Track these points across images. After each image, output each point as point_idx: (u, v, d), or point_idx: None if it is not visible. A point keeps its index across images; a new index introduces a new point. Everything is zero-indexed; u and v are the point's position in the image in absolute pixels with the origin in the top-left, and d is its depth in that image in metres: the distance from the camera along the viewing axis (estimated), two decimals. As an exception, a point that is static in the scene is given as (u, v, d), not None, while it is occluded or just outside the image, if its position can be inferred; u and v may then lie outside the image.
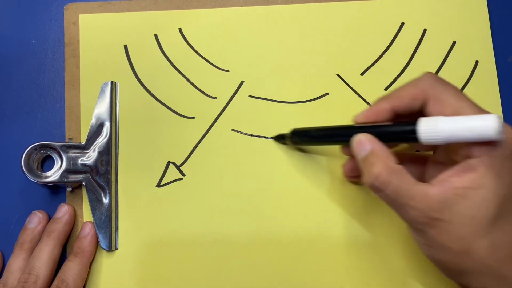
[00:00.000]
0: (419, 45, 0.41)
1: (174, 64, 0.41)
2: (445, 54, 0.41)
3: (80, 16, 0.41)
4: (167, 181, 0.39)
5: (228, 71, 0.41)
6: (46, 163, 0.39)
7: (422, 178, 0.34)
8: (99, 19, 0.41)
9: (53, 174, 0.37)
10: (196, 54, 0.41)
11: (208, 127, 0.40)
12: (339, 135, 0.34)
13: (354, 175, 0.37)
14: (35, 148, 0.37)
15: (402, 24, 0.41)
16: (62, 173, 0.37)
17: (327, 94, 0.40)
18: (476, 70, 0.40)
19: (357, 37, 0.41)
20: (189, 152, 0.39)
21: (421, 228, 0.29)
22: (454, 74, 0.40)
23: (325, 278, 0.38)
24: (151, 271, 0.38)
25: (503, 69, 0.41)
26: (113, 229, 0.38)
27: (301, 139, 0.37)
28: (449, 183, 0.28)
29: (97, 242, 0.38)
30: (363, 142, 0.31)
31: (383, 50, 0.41)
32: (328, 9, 0.41)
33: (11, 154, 0.39)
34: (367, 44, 0.41)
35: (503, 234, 0.28)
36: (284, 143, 0.39)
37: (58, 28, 0.41)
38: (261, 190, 0.39)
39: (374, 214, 0.38)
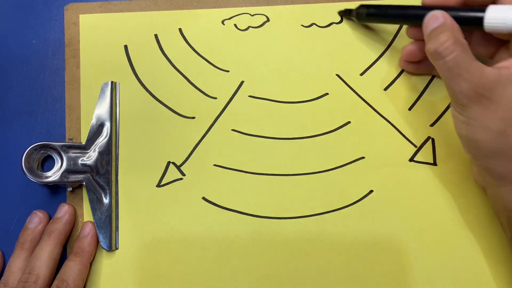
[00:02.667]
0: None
1: (174, 64, 0.41)
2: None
3: (81, 16, 0.41)
4: (167, 181, 0.39)
5: (228, 71, 0.41)
6: (47, 163, 0.39)
7: None
8: (100, 19, 0.41)
9: (53, 174, 0.37)
10: (196, 54, 0.41)
11: (208, 127, 0.40)
12: (410, 13, 0.35)
13: (410, 60, 0.38)
14: (35, 148, 0.37)
15: (402, 24, 0.41)
16: (62, 173, 0.37)
17: (327, 94, 0.40)
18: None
19: (356, 37, 0.41)
20: (189, 152, 0.39)
21: (467, 103, 0.31)
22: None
23: (325, 278, 0.38)
24: (151, 271, 0.38)
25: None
26: (113, 229, 0.38)
27: (369, 13, 0.38)
28: (506, 69, 0.30)
29: (97, 242, 0.38)
30: (437, 16, 0.32)
31: (383, 50, 0.41)
32: (328, 10, 0.41)
33: (11, 154, 0.39)
34: (367, 44, 0.41)
35: None
36: (350, 18, 0.40)
37: (58, 28, 0.41)
38: (261, 189, 0.39)
39: (374, 214, 0.38)
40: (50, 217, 0.38)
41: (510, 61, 0.31)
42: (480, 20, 0.31)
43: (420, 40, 0.36)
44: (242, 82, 0.40)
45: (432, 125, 0.39)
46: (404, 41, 0.40)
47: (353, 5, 0.40)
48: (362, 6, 0.39)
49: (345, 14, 0.40)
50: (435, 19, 0.32)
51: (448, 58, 0.31)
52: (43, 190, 0.39)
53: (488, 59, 0.35)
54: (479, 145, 0.31)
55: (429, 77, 0.40)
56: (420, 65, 0.38)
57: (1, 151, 0.40)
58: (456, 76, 0.31)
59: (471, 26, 0.33)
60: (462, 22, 0.32)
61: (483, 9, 0.31)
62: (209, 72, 0.40)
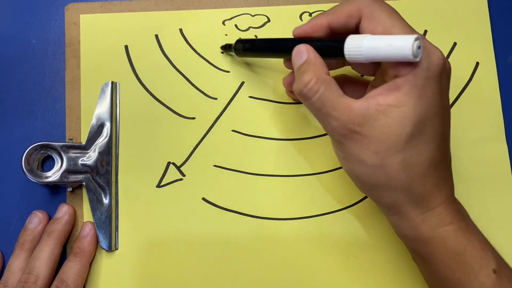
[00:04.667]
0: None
1: (175, 64, 0.41)
2: (445, 55, 0.41)
3: (81, 16, 0.41)
4: (167, 182, 0.39)
5: (228, 71, 0.41)
6: (47, 163, 0.39)
7: None
8: (100, 19, 0.41)
9: (53, 174, 0.37)
10: (196, 54, 0.41)
11: (208, 127, 0.40)
12: (280, 46, 0.35)
13: (291, 90, 0.37)
14: (35, 148, 0.37)
15: (403, 25, 0.41)
16: (62, 173, 0.37)
17: (328, 95, 0.40)
18: (476, 71, 0.40)
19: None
20: (189, 152, 0.39)
21: (340, 140, 0.30)
22: (454, 75, 0.40)
23: (325, 278, 0.38)
24: (151, 271, 0.38)
25: (504, 70, 0.41)
26: (113, 229, 0.38)
27: (244, 47, 0.37)
28: (373, 100, 0.29)
29: (97, 242, 0.38)
30: (302, 51, 0.31)
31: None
32: (328, 10, 0.41)
33: (11, 154, 0.39)
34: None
35: (416, 152, 0.29)
36: (229, 54, 0.40)
37: (58, 28, 0.41)
38: (261, 190, 0.39)
39: (374, 214, 0.38)
40: (50, 217, 0.38)
41: (379, 90, 0.29)
42: (341, 51, 0.30)
43: None
44: (242, 83, 0.40)
45: (432, 126, 0.39)
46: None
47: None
48: (238, 41, 0.38)
49: (225, 48, 0.40)
50: (300, 55, 0.31)
51: (313, 99, 0.30)
52: (43, 190, 0.39)
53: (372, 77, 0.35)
54: (361, 179, 0.31)
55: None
56: None
57: (1, 151, 0.40)
58: (325, 116, 0.30)
59: (334, 57, 0.31)
60: (326, 53, 0.31)
61: (343, 40, 0.30)
62: (209, 72, 0.40)
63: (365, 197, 0.39)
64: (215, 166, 0.39)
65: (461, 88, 0.40)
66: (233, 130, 0.40)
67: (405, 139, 0.29)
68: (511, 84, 0.41)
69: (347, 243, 0.38)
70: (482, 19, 0.41)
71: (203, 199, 0.39)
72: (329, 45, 0.31)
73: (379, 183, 0.30)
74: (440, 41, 0.41)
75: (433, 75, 0.29)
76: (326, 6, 0.41)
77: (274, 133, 0.40)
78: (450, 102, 0.40)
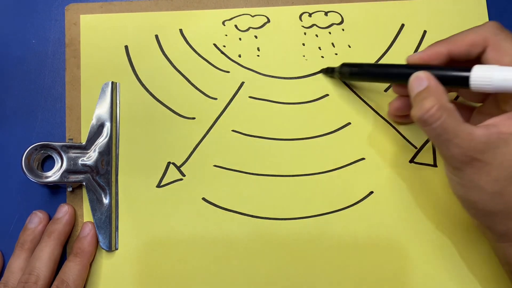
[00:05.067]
0: (419, 47, 0.41)
1: (175, 64, 0.41)
2: (445, 56, 0.41)
3: (81, 16, 0.41)
4: (167, 182, 0.39)
5: (228, 72, 0.41)
6: (47, 163, 0.39)
7: None
8: (100, 19, 0.41)
9: (53, 174, 0.37)
10: (196, 55, 0.41)
11: (208, 127, 0.40)
12: (393, 73, 0.35)
13: (399, 114, 0.38)
14: (35, 148, 0.37)
15: (402, 25, 0.41)
16: (62, 173, 0.37)
17: (327, 95, 0.40)
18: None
19: (357, 39, 0.41)
20: (189, 152, 0.39)
21: (459, 166, 0.30)
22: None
23: (325, 278, 0.38)
24: (151, 271, 0.38)
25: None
26: (113, 229, 0.38)
27: (352, 72, 0.37)
28: (495, 128, 0.29)
29: (97, 242, 0.38)
30: (422, 78, 0.31)
31: (383, 51, 0.41)
32: (328, 11, 0.41)
33: (11, 154, 0.39)
34: (367, 45, 0.41)
35: None
36: (332, 77, 0.40)
37: (58, 28, 0.41)
38: (261, 190, 0.39)
39: (374, 216, 0.38)
40: (50, 217, 0.38)
41: (500, 118, 0.30)
42: (466, 80, 0.30)
43: (406, 96, 0.35)
44: (242, 83, 0.40)
45: (432, 126, 0.39)
46: (405, 43, 0.41)
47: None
48: (344, 64, 0.38)
49: (327, 72, 0.40)
50: (419, 82, 0.31)
51: (434, 125, 0.30)
52: (43, 190, 0.39)
53: (478, 103, 0.35)
54: (476, 206, 0.31)
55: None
56: (410, 118, 0.38)
57: (1, 151, 0.40)
58: (445, 142, 0.30)
59: (457, 86, 0.32)
60: (447, 82, 0.31)
61: (468, 69, 0.30)
62: (209, 72, 0.40)
63: (365, 197, 0.39)
64: (215, 166, 0.39)
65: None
66: (233, 130, 0.40)
67: None
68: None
69: (347, 243, 0.38)
70: (481, 20, 0.41)
71: (203, 199, 0.39)
72: (454, 74, 0.31)
73: (497, 210, 0.30)
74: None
75: None
76: (325, 7, 0.41)
77: (274, 133, 0.40)
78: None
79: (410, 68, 0.33)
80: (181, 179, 0.39)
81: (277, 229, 0.38)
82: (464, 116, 0.33)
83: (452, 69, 0.31)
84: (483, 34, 0.31)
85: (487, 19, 0.41)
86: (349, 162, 0.39)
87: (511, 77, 0.29)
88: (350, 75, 0.38)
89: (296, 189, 0.39)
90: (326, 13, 0.41)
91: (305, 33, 0.41)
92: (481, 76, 0.30)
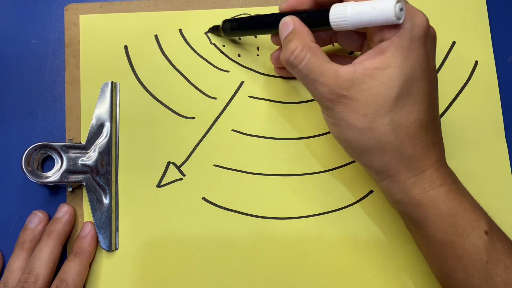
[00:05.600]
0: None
1: (174, 64, 0.41)
2: (444, 54, 0.41)
3: (81, 16, 0.41)
4: (167, 181, 0.39)
5: (228, 71, 0.41)
6: (47, 163, 0.39)
7: None
8: (100, 19, 0.41)
9: (53, 174, 0.37)
10: (196, 54, 0.41)
11: (208, 127, 0.40)
12: (267, 21, 0.35)
13: (280, 66, 0.38)
14: (35, 148, 0.37)
15: (402, 24, 0.41)
16: (62, 173, 0.37)
17: (327, 94, 0.40)
18: (475, 70, 0.41)
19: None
20: (189, 152, 0.39)
21: (329, 105, 0.31)
22: (453, 74, 0.40)
23: (325, 278, 0.38)
24: (151, 271, 0.38)
25: (503, 69, 0.41)
26: (113, 229, 0.38)
27: (232, 26, 0.38)
28: (360, 64, 0.30)
29: (97, 242, 0.38)
30: (288, 22, 0.32)
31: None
32: (328, 10, 0.41)
33: (11, 154, 0.39)
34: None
35: (404, 113, 0.30)
36: (218, 34, 0.40)
37: (58, 28, 0.41)
38: (261, 190, 0.39)
39: (374, 215, 0.38)
40: (50, 217, 0.38)
41: (365, 55, 0.30)
42: (327, 19, 0.31)
43: None
44: (242, 83, 0.40)
45: (432, 125, 0.39)
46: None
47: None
48: (225, 21, 0.39)
49: (214, 30, 0.40)
50: (286, 26, 0.32)
51: (300, 66, 0.30)
52: (43, 190, 0.39)
53: (358, 52, 0.36)
54: (351, 144, 0.32)
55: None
56: None
57: (1, 151, 0.40)
58: (312, 82, 0.30)
59: (320, 27, 0.32)
60: (311, 24, 0.32)
61: (328, 9, 0.31)
62: (209, 72, 0.41)
63: (365, 196, 0.39)
64: (215, 165, 0.39)
65: (460, 87, 0.40)
66: (233, 130, 0.40)
67: (393, 100, 0.29)
68: (510, 83, 0.41)
69: (347, 242, 0.38)
70: (481, 18, 0.41)
71: (203, 198, 0.39)
72: (315, 15, 0.32)
73: (369, 146, 0.31)
74: (439, 40, 0.41)
75: (417, 37, 0.29)
76: (325, 6, 0.41)
77: (273, 132, 0.40)
78: (449, 100, 0.40)
79: (281, 16, 0.33)
80: (181, 179, 0.39)
81: (277, 229, 0.38)
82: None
83: (314, 11, 0.32)
84: None
85: (487, 19, 0.41)
86: (349, 161, 0.39)
87: (363, 10, 0.29)
88: (231, 30, 0.38)
89: (296, 188, 0.39)
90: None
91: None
92: (337, 13, 0.30)
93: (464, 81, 0.40)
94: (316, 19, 0.32)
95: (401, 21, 0.28)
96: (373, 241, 0.38)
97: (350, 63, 0.35)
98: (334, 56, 0.36)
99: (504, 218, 0.38)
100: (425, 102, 0.30)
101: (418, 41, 0.30)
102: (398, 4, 0.28)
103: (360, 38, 0.34)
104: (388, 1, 0.28)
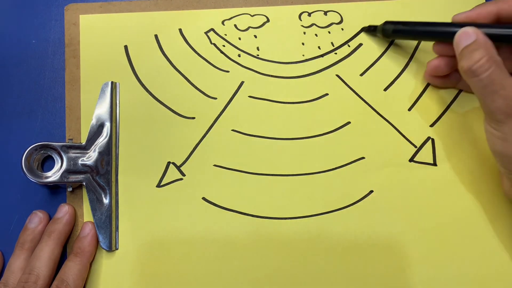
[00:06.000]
0: (418, 46, 0.41)
1: (174, 64, 0.41)
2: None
3: (81, 16, 0.41)
4: (167, 181, 0.39)
5: (228, 71, 0.41)
6: (47, 163, 0.39)
7: None
8: (100, 19, 0.41)
9: (53, 175, 0.37)
10: (196, 54, 0.41)
11: (208, 127, 0.40)
12: (439, 30, 0.35)
13: (436, 75, 0.38)
14: (35, 148, 0.37)
15: (402, 24, 0.41)
16: (62, 173, 0.37)
17: (327, 94, 0.40)
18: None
19: (357, 38, 0.41)
20: (189, 152, 0.39)
21: (502, 119, 0.31)
22: (453, 74, 0.41)
23: (325, 278, 0.38)
24: (151, 271, 0.38)
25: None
26: (113, 229, 0.38)
27: (395, 29, 0.38)
28: None
29: (97, 242, 0.38)
30: (469, 32, 0.32)
31: (383, 50, 0.41)
32: (327, 10, 0.41)
33: (11, 154, 0.39)
34: (367, 44, 0.41)
35: None
36: (374, 35, 0.40)
37: (58, 28, 0.41)
38: (261, 190, 0.39)
39: (374, 215, 0.38)
40: (50, 217, 0.38)
41: None
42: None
43: (446, 56, 0.37)
44: (242, 83, 0.40)
45: (432, 125, 0.39)
46: (404, 41, 0.41)
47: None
48: (387, 22, 0.39)
49: (369, 30, 0.40)
50: (467, 36, 0.32)
51: (483, 75, 0.31)
52: (43, 190, 0.39)
53: None
54: None
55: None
56: (445, 79, 0.39)
57: (1, 151, 0.40)
58: (492, 93, 0.31)
59: (504, 42, 0.33)
60: (495, 39, 0.32)
61: None
62: (209, 72, 0.41)
63: (365, 197, 0.39)
64: (215, 165, 0.39)
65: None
66: (233, 130, 0.40)
67: None
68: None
69: (347, 242, 0.38)
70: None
71: (203, 198, 0.39)
72: (502, 31, 0.32)
73: None
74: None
75: None
76: (325, 6, 0.41)
77: (273, 132, 0.40)
78: (449, 101, 0.40)
79: (455, 26, 0.34)
80: (181, 179, 0.39)
81: (277, 229, 0.38)
82: None
83: (499, 27, 0.33)
84: None
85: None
86: (349, 161, 0.39)
87: None
88: (393, 32, 0.38)
89: (296, 189, 0.39)
90: (325, 13, 0.41)
91: (304, 33, 0.41)
92: None
93: (464, 82, 0.40)
94: (502, 35, 0.32)
95: None
96: (373, 241, 0.38)
97: None
98: None
99: (504, 218, 0.38)
100: None
101: None
102: None
103: None
104: None
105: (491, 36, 0.32)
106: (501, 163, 0.33)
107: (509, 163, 0.33)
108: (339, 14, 0.41)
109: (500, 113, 0.31)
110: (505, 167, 0.33)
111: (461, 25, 0.34)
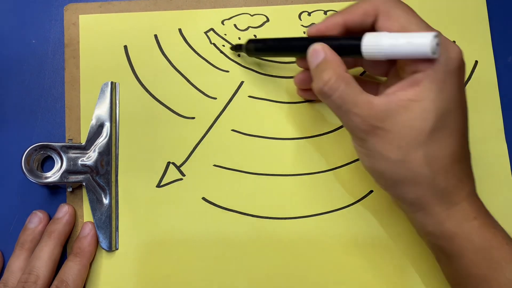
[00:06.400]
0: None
1: (174, 64, 0.41)
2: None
3: (80, 16, 0.41)
4: (167, 181, 0.39)
5: (228, 71, 0.41)
6: (46, 163, 0.39)
7: None
8: (99, 19, 0.41)
9: (53, 175, 0.37)
10: (196, 54, 0.41)
11: (208, 127, 0.40)
12: (294, 45, 0.35)
13: (304, 88, 0.38)
14: (35, 149, 0.37)
15: (402, 24, 0.41)
16: (62, 174, 0.37)
17: (327, 94, 0.40)
18: (475, 70, 0.40)
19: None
20: (189, 152, 0.39)
21: (362, 136, 0.30)
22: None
23: (326, 278, 0.38)
24: (151, 271, 0.38)
25: (503, 69, 0.41)
26: (113, 229, 0.38)
27: (256, 48, 0.38)
28: (393, 95, 0.29)
29: (97, 242, 0.38)
30: (318, 50, 0.31)
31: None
32: (327, 10, 0.41)
33: (11, 154, 0.39)
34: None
35: (439, 146, 0.29)
36: (240, 53, 0.40)
37: (58, 28, 0.41)
38: (261, 190, 0.39)
39: (374, 215, 0.38)
40: (50, 217, 0.38)
41: (398, 86, 0.30)
42: (358, 49, 0.30)
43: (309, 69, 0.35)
44: (242, 83, 0.40)
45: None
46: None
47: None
48: (250, 41, 0.38)
49: (236, 49, 0.40)
50: (316, 54, 0.31)
51: (334, 96, 0.30)
52: (43, 191, 0.39)
53: (384, 77, 0.35)
54: (383, 175, 0.31)
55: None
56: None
57: (1, 151, 0.40)
58: (346, 113, 0.30)
59: (351, 55, 0.32)
60: (343, 52, 0.31)
61: (360, 37, 0.30)
62: (209, 72, 0.40)
63: (365, 196, 0.39)
64: (215, 165, 0.39)
65: (460, 87, 0.40)
66: (232, 130, 0.40)
67: (427, 133, 0.29)
68: (510, 83, 0.41)
69: (347, 242, 0.38)
70: (481, 18, 0.41)
71: (203, 198, 0.39)
72: (346, 43, 0.31)
73: (402, 178, 0.30)
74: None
75: (452, 70, 0.29)
76: (324, 6, 0.41)
77: (273, 132, 0.40)
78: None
79: (310, 41, 0.33)
80: (181, 179, 0.39)
81: (277, 229, 0.38)
82: (371, 92, 0.33)
83: (346, 39, 0.32)
84: (374, 3, 0.31)
85: (487, 19, 0.41)
86: (349, 161, 0.39)
87: (399, 43, 0.28)
88: (255, 50, 0.38)
89: (296, 188, 0.39)
90: (325, 12, 0.41)
91: (304, 32, 0.41)
92: (371, 43, 0.29)
93: (464, 81, 0.40)
94: (347, 47, 0.31)
95: (437, 56, 0.28)
96: (373, 241, 0.38)
97: (375, 89, 0.35)
98: (357, 81, 0.36)
99: (504, 218, 0.38)
100: (459, 134, 0.30)
101: (452, 74, 0.29)
102: (436, 40, 0.28)
103: (388, 65, 0.34)
104: (425, 36, 0.27)
105: (339, 50, 0.31)
106: (374, 179, 0.32)
107: (378, 178, 0.32)
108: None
109: (359, 131, 0.30)
110: (378, 183, 0.32)
111: (314, 39, 0.32)
